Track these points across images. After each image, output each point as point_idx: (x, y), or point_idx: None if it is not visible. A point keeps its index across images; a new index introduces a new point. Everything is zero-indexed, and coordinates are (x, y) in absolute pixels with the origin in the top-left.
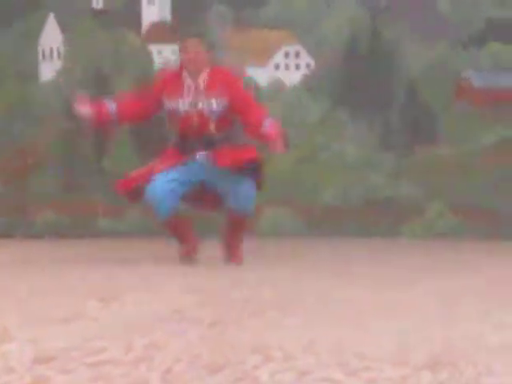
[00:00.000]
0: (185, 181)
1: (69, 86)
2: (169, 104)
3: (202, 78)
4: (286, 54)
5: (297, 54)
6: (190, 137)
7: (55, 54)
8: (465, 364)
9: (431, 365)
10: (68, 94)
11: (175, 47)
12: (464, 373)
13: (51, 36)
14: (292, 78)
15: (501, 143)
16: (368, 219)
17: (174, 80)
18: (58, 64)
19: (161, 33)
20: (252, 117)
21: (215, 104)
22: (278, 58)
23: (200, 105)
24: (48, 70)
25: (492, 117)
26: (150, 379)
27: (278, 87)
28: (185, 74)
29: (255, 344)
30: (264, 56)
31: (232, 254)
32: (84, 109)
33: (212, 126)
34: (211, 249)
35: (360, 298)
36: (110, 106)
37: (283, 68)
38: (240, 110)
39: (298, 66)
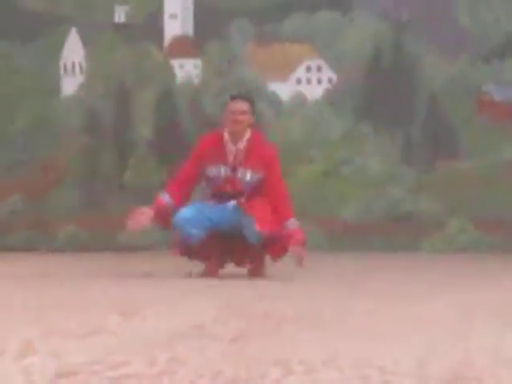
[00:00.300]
0: (215, 219)
1: (91, 100)
2: (209, 171)
3: (243, 144)
4: (308, 68)
5: (318, 68)
6: (223, 194)
7: (77, 68)
8: (488, 378)
9: (452, 379)
10: (90, 108)
11: (197, 61)
12: None
13: (73, 50)
14: (314, 92)
15: None
16: (389, 233)
17: (214, 146)
18: (80, 78)
19: (183, 47)
20: (281, 206)
21: (249, 176)
22: (300, 72)
23: (237, 174)
24: (70, 85)
25: None
26: None
27: (300, 101)
28: (226, 137)
29: (276, 358)
30: (286, 70)
31: (254, 268)
32: (144, 219)
33: (244, 195)
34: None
35: (380, 311)
36: (166, 200)
37: (305, 82)
38: (270, 194)
39: (319, 81)
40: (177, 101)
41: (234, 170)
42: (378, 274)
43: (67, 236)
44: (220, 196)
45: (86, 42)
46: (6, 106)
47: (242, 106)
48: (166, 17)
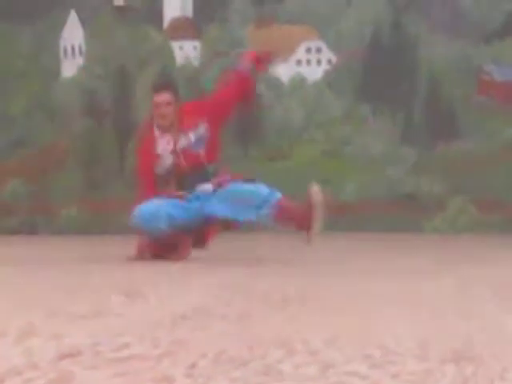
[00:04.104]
0: (183, 214)
1: (90, 83)
2: (159, 170)
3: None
4: (308, 50)
5: (318, 50)
6: (185, 175)
7: (77, 50)
8: (489, 358)
9: (455, 359)
10: (90, 90)
11: (196, 43)
12: (489, 368)
13: (73, 33)
14: (314, 73)
15: None
16: (389, 214)
17: (150, 147)
18: (79, 60)
19: (182, 29)
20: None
21: (193, 136)
22: (300, 53)
23: (180, 144)
24: (70, 67)
25: None
26: (175, 374)
27: (300, 83)
28: (156, 132)
29: (278, 338)
30: (285, 52)
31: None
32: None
33: (201, 155)
34: (231, 243)
35: (381, 291)
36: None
37: (305, 63)
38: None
39: (319, 62)
40: (176, 82)
41: (176, 143)
42: (378, 254)
43: (68, 219)
44: (182, 182)
45: (85, 24)
46: (6, 88)
47: (164, 96)
48: None
